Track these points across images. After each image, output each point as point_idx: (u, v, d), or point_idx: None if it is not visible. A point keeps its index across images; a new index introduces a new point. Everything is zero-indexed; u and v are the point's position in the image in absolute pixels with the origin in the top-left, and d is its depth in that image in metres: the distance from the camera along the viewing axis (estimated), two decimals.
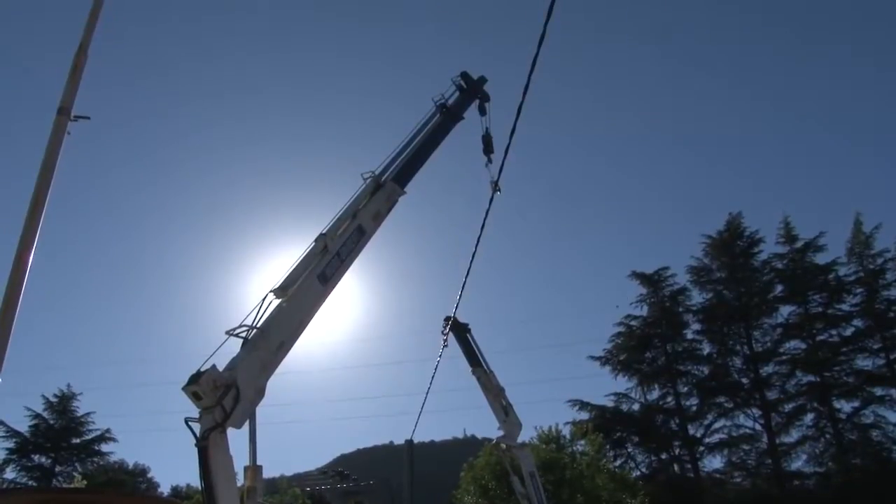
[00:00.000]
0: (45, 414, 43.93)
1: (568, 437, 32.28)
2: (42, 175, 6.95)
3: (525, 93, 8.35)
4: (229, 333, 9.74)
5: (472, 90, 15.59)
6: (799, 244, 38.27)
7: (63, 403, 44.60)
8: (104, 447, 44.75)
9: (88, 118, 7.36)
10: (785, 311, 37.95)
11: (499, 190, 13.89)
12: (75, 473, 38.86)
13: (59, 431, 43.60)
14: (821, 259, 37.75)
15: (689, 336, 40.73)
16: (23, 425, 43.06)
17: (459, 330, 22.58)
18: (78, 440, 44.37)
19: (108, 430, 45.02)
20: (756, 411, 37.01)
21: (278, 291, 10.47)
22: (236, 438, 9.06)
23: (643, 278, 41.94)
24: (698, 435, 38.46)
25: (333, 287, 11.26)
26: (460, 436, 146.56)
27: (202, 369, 8.81)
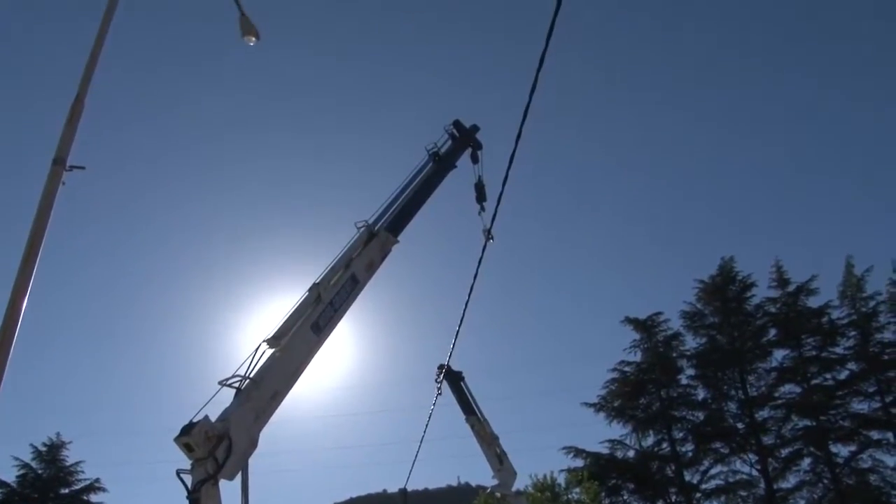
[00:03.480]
0: (33, 463, 43.20)
1: (563, 485, 31.98)
2: (36, 223, 6.97)
3: (517, 140, 8.45)
4: (222, 384, 9.72)
5: (464, 138, 15.77)
6: (791, 288, 38.36)
7: (52, 452, 43.88)
8: (93, 497, 43.85)
9: (83, 168, 7.42)
10: (779, 354, 37.87)
11: (492, 238, 13.97)
12: None
13: (48, 481, 42.80)
14: (813, 302, 37.82)
15: (684, 381, 40.54)
16: (10, 475, 42.30)
17: (453, 378, 22.54)
18: (67, 490, 43.53)
19: (97, 480, 44.17)
20: (752, 456, 36.75)
21: (272, 341, 10.48)
22: (229, 490, 8.97)
23: (636, 324, 41.90)
24: (695, 481, 38.09)
25: (327, 336, 11.27)
26: (454, 484, 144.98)
27: (194, 420, 8.78)
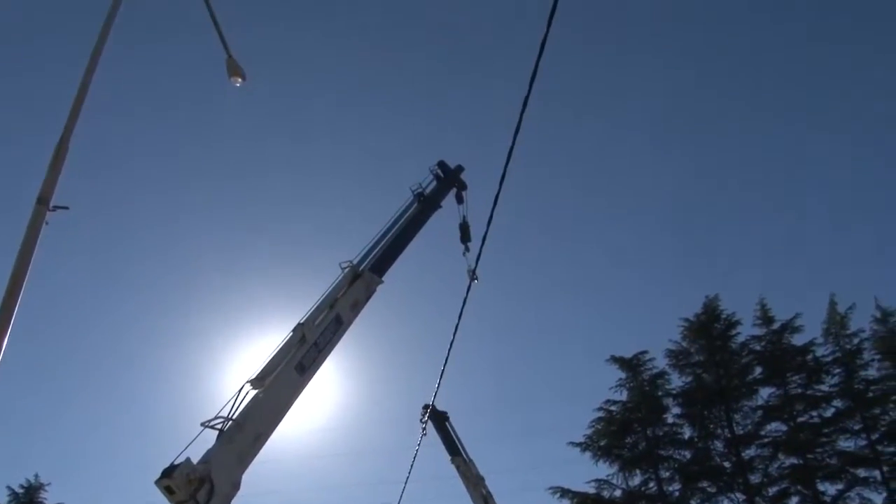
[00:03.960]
0: None
1: None
2: (19, 263, 6.95)
3: (501, 182, 8.51)
4: (204, 425, 9.63)
5: (449, 179, 15.90)
6: (776, 325, 38.48)
7: (30, 494, 43.21)
8: None
9: (67, 208, 7.41)
10: (765, 392, 37.84)
11: (476, 279, 13.98)
12: None
13: None
14: (798, 340, 37.92)
15: (670, 420, 40.42)
16: None
17: (438, 418, 22.41)
18: None
19: None
20: (740, 496, 36.53)
21: (255, 382, 10.42)
22: None
23: (622, 362, 41.86)
24: None
25: (311, 377, 11.22)
26: None
27: (176, 462, 8.68)
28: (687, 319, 40.94)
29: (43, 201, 7.28)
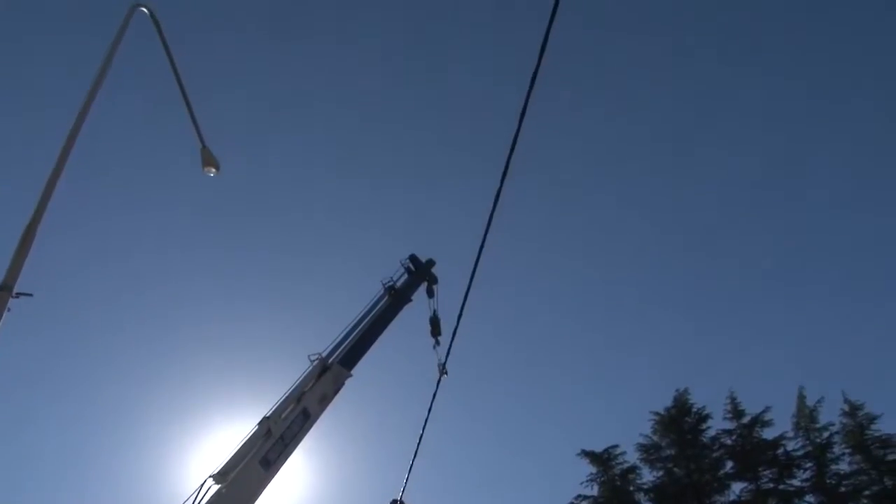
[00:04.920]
0: None
1: None
2: None
3: (472, 277, 8.62)
4: None
5: (420, 273, 16.02)
6: (746, 419, 38.45)
7: None
8: None
9: (31, 295, 7.37)
10: (737, 487, 37.52)
11: (446, 373, 13.97)
12: None
13: None
14: (768, 434, 37.81)
15: None
16: None
17: None
18: None
19: None
20: None
21: (218, 477, 10.21)
22: None
23: (593, 457, 41.42)
24: None
25: (277, 471, 11.00)
26: None
27: None
28: (657, 413, 40.82)
29: (7, 288, 7.24)
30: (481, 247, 8.08)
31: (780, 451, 37.19)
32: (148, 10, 9.40)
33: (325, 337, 13.54)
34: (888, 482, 34.91)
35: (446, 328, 15.85)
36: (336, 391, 12.87)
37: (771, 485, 36.67)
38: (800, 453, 36.74)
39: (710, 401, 42.44)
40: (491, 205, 7.43)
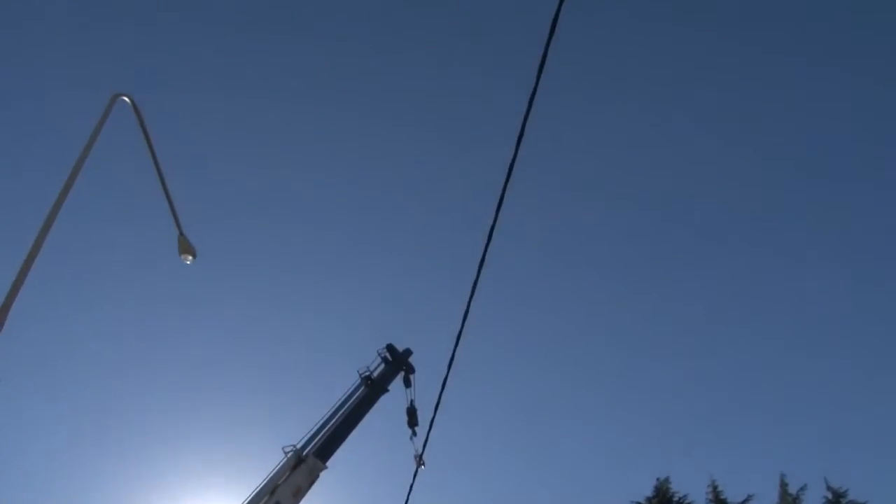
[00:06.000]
0: None
1: None
2: None
3: (450, 365, 8.50)
4: None
5: (397, 363, 15.85)
6: None
7: None
8: None
9: None
10: None
11: (423, 464, 13.72)
12: None
13: None
14: None
15: None
16: None
17: None
18: None
19: None
20: None
21: None
22: None
23: None
24: None
25: None
26: None
27: None
28: (638, 503, 40.12)
29: None
30: (457, 340, 8.01)
31: None
32: (130, 99, 9.47)
33: (300, 427, 13.28)
34: None
35: (424, 418, 15.64)
36: (311, 484, 12.56)
37: None
38: None
39: (692, 490, 41.91)
40: (468, 296, 7.39)
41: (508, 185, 6.44)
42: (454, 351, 8.29)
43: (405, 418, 15.88)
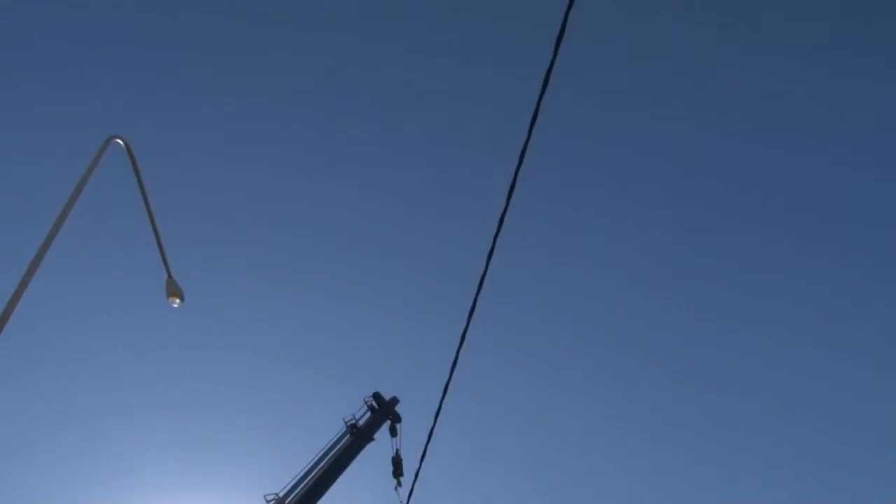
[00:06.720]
0: None
1: None
2: None
3: (437, 416, 8.42)
4: None
5: (383, 411, 15.66)
6: None
7: None
8: None
9: None
10: None
11: None
12: None
13: None
14: None
15: None
16: None
17: None
18: None
19: None
20: None
21: None
22: None
23: None
24: None
25: None
26: None
27: None
28: None
29: None
30: (445, 388, 7.95)
31: None
32: (123, 142, 9.49)
33: (283, 475, 13.08)
34: None
35: (409, 468, 15.43)
36: None
37: None
38: None
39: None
40: (455, 348, 7.35)
41: (498, 238, 6.46)
42: (441, 402, 8.23)
43: (390, 468, 15.69)
